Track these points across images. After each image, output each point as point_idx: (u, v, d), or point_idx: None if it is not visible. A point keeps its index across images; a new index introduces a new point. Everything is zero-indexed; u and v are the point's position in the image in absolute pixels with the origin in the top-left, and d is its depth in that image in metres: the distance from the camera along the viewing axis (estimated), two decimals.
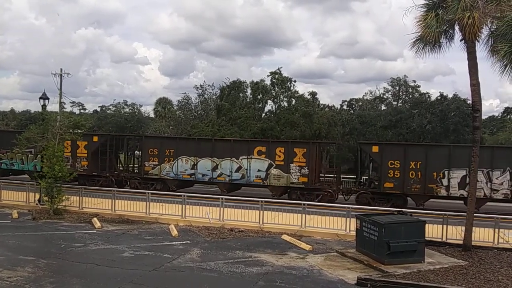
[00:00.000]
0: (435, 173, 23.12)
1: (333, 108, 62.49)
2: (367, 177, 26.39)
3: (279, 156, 25.53)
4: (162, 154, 27.18)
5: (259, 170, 25.79)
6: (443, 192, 23.11)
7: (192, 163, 26.69)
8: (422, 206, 22.71)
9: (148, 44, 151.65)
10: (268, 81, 49.67)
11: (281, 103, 50.09)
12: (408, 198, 23.96)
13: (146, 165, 27.52)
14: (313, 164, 25.24)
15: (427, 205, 22.93)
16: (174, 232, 16.25)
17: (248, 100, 50.49)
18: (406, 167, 23.43)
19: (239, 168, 26.17)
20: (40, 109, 27.90)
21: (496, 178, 22.52)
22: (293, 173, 25.14)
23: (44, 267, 11.94)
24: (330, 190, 24.95)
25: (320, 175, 26.95)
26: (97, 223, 17.43)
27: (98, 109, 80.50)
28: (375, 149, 24.82)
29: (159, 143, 28.03)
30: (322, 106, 58.27)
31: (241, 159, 26.06)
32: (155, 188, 26.07)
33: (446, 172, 23.02)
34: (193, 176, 26.60)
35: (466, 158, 21.51)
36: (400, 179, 23.49)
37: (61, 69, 36.21)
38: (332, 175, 27.16)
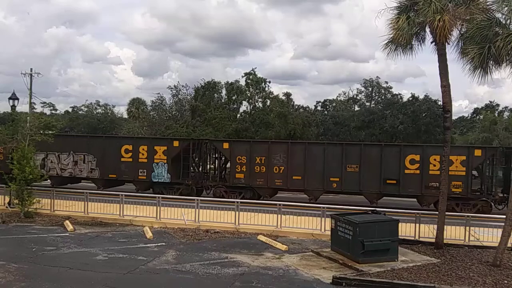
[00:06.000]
0: None
1: (307, 109, 63.05)
2: None
3: None
4: None
5: None
6: None
7: None
8: None
9: (121, 44, 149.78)
10: (243, 82, 49.79)
11: (256, 103, 50.26)
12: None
13: None
14: None
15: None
16: (149, 234, 16.07)
17: (223, 100, 50.47)
18: None
19: None
20: (9, 110, 27.26)
21: (64, 160, 27.68)
22: None
23: (15, 271, 11.64)
24: None
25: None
26: (69, 226, 17.09)
27: (70, 110, 79.01)
28: None
29: None
30: (296, 107, 58.67)
31: None
32: None
33: None
34: None
35: None
36: None
37: (31, 69, 35.49)
38: None
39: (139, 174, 26.84)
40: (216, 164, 28.13)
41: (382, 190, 24.15)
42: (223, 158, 27.45)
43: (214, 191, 25.93)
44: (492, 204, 23.21)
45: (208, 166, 29.54)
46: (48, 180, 26.47)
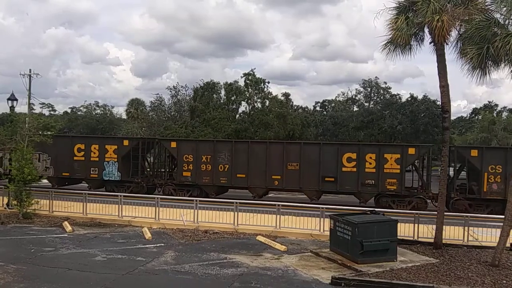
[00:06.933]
0: None
1: (306, 109, 63.12)
2: None
3: None
4: None
5: None
6: None
7: None
8: None
9: (119, 44, 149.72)
10: (241, 82, 49.77)
11: (255, 104, 50.23)
12: None
13: None
14: None
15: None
16: (148, 235, 16.06)
17: (222, 101, 50.43)
18: None
19: None
20: (8, 111, 27.22)
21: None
22: None
23: (14, 272, 11.62)
24: None
25: None
26: (68, 226, 17.08)
27: (69, 111, 78.90)
28: None
29: None
30: (295, 107, 58.71)
31: None
32: None
33: None
34: None
35: None
36: None
37: (30, 70, 35.36)
38: None
39: (91, 172, 27.51)
40: (166, 163, 28.97)
41: (321, 188, 24.75)
42: (174, 157, 27.98)
43: (163, 189, 26.58)
44: (428, 201, 23.71)
45: (159, 164, 30.39)
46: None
